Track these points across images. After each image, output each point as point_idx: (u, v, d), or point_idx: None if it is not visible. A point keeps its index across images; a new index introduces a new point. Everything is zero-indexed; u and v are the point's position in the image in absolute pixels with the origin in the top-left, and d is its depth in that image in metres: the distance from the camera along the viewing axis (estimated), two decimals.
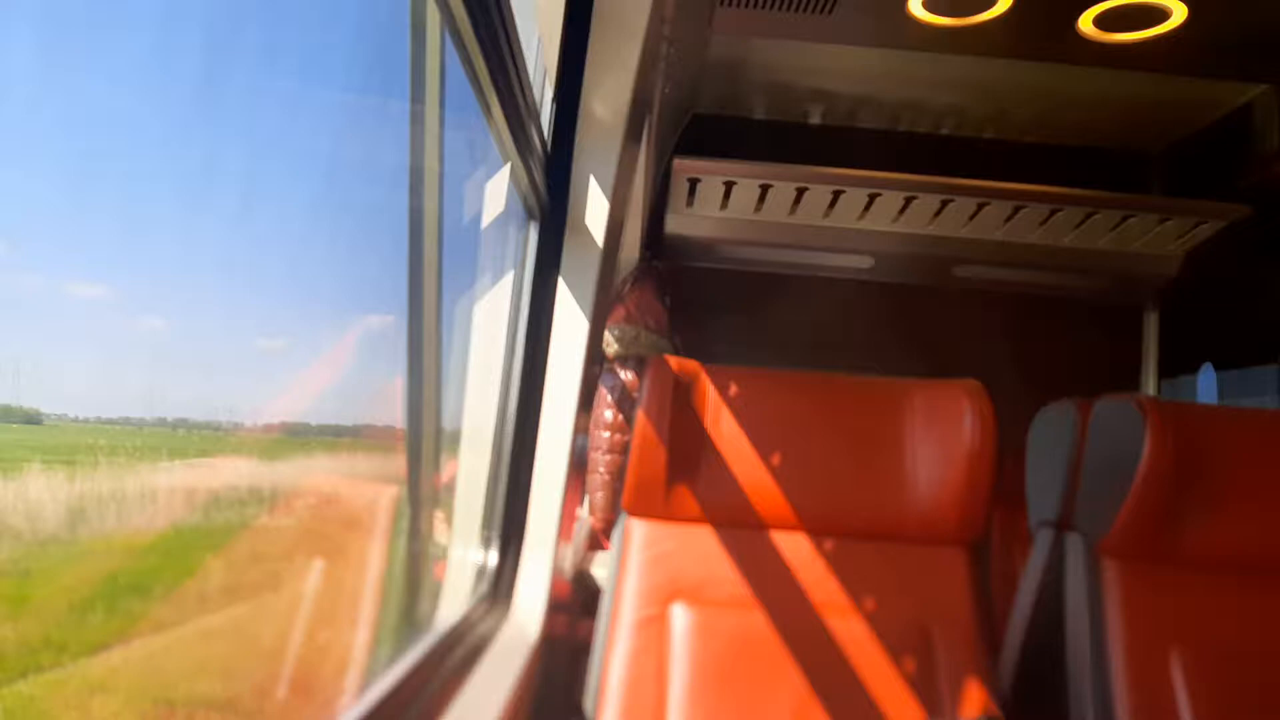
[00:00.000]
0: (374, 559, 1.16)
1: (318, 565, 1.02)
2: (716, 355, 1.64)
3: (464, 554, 1.35)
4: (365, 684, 0.98)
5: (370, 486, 1.17)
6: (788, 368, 1.63)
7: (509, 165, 1.33)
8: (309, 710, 0.99)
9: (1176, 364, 2.65)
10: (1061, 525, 1.53)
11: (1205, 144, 2.42)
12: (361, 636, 1.10)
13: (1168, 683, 1.35)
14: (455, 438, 1.39)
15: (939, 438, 1.47)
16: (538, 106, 1.39)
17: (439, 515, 1.37)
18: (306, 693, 1.00)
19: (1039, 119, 2.47)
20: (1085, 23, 1.94)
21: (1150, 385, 2.66)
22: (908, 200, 2.20)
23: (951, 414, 1.47)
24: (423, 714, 0.92)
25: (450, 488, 1.39)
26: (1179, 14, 1.88)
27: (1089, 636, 1.40)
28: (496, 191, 1.38)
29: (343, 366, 1.08)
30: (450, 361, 1.40)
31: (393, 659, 1.02)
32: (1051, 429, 1.61)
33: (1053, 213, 2.27)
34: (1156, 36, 1.96)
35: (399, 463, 1.23)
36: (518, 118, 1.23)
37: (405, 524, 1.18)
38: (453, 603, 1.30)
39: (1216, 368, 2.51)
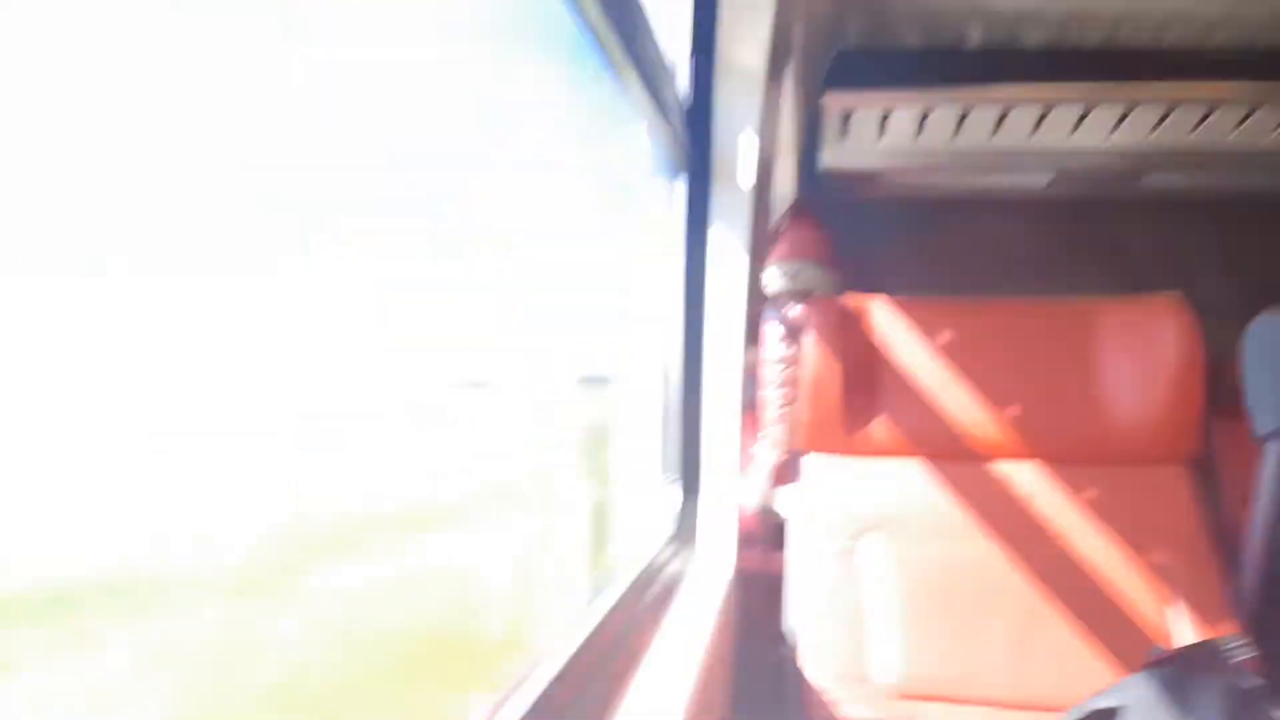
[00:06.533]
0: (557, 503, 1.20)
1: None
2: (884, 288, 1.59)
3: (646, 497, 1.38)
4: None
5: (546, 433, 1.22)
6: (963, 296, 1.56)
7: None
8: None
9: None
10: None
11: None
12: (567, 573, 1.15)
13: None
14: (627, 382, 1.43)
15: (1141, 357, 1.37)
16: (672, 62, 1.40)
17: (618, 461, 1.41)
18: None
19: (1225, 17, 2.23)
20: None
21: None
22: (1083, 113, 2.04)
23: (1152, 331, 1.36)
24: (627, 653, 0.95)
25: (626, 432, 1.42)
26: None
27: None
28: (639, 146, 1.40)
29: None
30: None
31: (590, 600, 1.06)
32: (1268, 338, 1.45)
33: (1250, 112, 2.04)
34: None
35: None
36: (651, 76, 1.24)
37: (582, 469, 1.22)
38: (639, 546, 1.33)
39: None
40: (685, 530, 1.37)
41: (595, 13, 1.05)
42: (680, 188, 1.49)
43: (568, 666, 0.83)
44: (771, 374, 1.65)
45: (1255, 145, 2.18)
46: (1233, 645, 1.08)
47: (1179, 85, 2.02)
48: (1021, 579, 1.31)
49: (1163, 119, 2.09)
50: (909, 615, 1.30)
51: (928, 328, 1.46)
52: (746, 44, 1.45)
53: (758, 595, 1.54)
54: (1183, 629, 1.26)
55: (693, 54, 1.51)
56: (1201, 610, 1.27)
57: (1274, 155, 2.20)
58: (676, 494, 1.38)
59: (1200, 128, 2.12)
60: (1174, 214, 2.35)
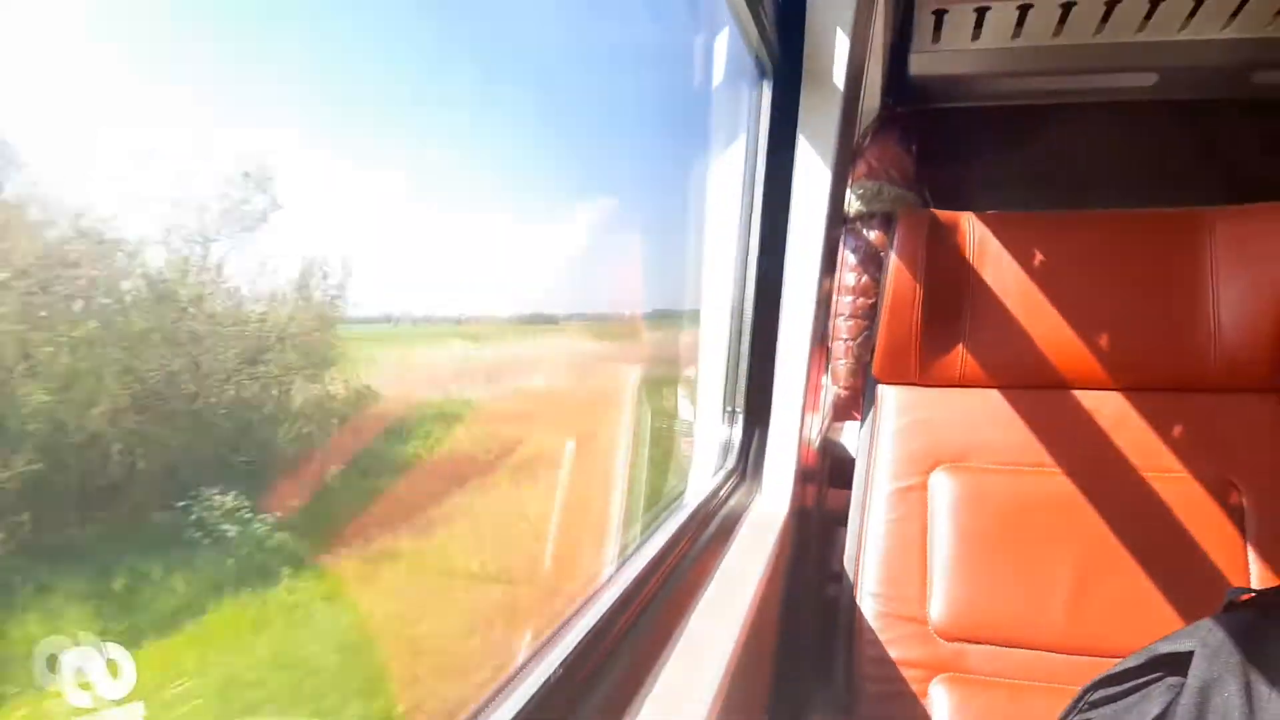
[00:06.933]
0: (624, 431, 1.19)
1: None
2: (973, 204, 1.50)
3: (709, 429, 1.36)
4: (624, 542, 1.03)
5: (614, 366, 1.20)
6: (1059, 210, 1.46)
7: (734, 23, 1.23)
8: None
9: None
10: None
11: None
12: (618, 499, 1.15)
13: None
14: (694, 314, 1.38)
15: (1250, 272, 1.29)
16: None
17: (683, 392, 1.39)
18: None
19: None
20: None
21: None
22: (1199, 1, 1.84)
23: (1263, 244, 1.28)
24: (683, 587, 0.95)
25: (692, 364, 1.39)
26: None
27: None
28: (723, 51, 1.29)
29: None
30: (688, 236, 1.38)
31: (649, 524, 1.07)
32: None
33: None
34: None
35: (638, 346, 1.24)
36: None
37: (648, 400, 1.20)
38: (701, 478, 1.32)
39: None
40: (750, 464, 1.36)
41: None
42: (766, 93, 1.39)
43: (621, 600, 0.83)
44: (842, 305, 1.59)
45: None
46: None
47: None
48: (1094, 516, 1.29)
49: None
50: (972, 554, 1.30)
51: (1018, 244, 1.38)
52: None
53: (812, 531, 1.55)
54: (1264, 572, 1.23)
55: None
56: None
57: None
58: (741, 428, 1.36)
59: None
60: None
